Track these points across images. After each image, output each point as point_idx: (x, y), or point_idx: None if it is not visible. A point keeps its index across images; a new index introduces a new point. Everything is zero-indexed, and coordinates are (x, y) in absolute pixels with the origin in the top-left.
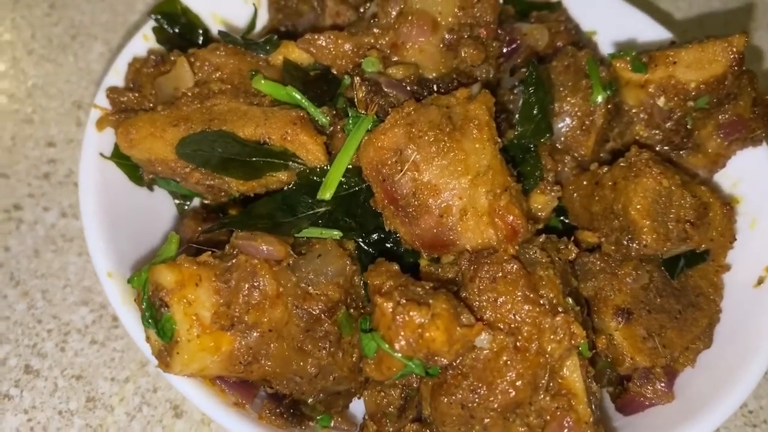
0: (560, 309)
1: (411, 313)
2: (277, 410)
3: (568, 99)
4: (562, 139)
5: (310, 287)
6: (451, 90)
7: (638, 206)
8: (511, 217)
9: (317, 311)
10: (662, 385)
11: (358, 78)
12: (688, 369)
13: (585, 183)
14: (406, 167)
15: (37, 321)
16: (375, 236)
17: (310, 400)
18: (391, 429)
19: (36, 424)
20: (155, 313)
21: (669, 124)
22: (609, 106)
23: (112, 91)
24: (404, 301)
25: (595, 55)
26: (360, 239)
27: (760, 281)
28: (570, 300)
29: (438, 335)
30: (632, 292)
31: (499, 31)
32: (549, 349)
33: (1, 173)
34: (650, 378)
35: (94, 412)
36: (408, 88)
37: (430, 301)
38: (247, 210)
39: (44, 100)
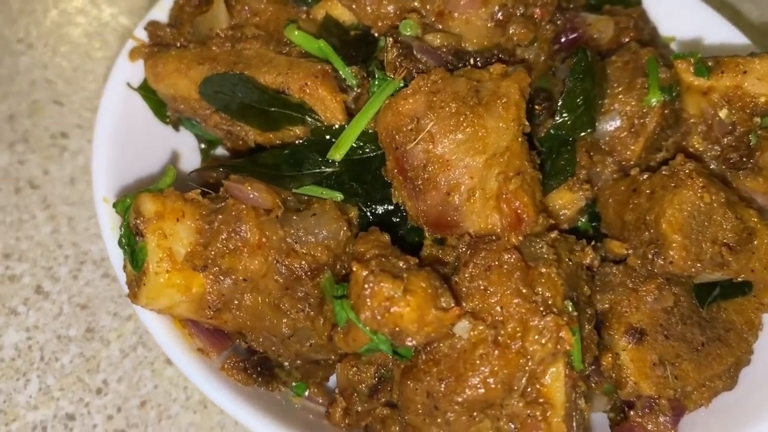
0: (554, 311)
1: (381, 284)
2: (241, 364)
3: (621, 97)
4: (608, 139)
5: (297, 244)
6: (488, 65)
7: (671, 219)
8: (518, 203)
9: (300, 271)
10: (666, 418)
11: (390, 39)
12: (702, 409)
13: (623, 189)
14: (421, 137)
15: (57, 245)
16: (381, 207)
17: (286, 364)
18: (359, 408)
19: (34, 343)
20: (132, 241)
21: (728, 139)
22: (666, 112)
23: (152, 25)
24: (379, 270)
25: (658, 54)
26: (365, 207)
27: None
28: (569, 304)
29: (407, 312)
30: (651, 312)
31: (558, 16)
32: (531, 350)
33: (57, 100)
34: (654, 409)
35: (91, 343)
36: (442, 57)
37: (405, 275)
38: (253, 157)
39: (111, 38)
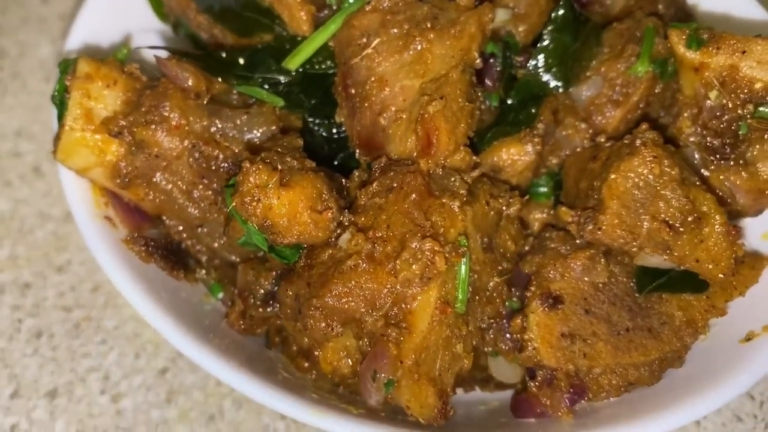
0: (440, 240)
1: (256, 173)
2: (143, 240)
3: (608, 62)
4: (585, 103)
5: (220, 136)
6: None
7: (611, 184)
8: (433, 126)
9: (217, 162)
10: (565, 397)
11: None
12: (610, 400)
13: (586, 156)
14: (365, 52)
15: None
16: (324, 125)
17: (203, 259)
18: (253, 312)
19: (17, 214)
20: (63, 99)
21: (713, 123)
22: (657, 90)
23: None
24: (260, 160)
25: (661, 27)
26: (310, 120)
27: (749, 338)
28: (464, 240)
29: (276, 205)
30: (576, 283)
31: None
32: (399, 268)
33: None
34: (553, 384)
35: (66, 225)
36: None
37: (287, 170)
38: (210, 52)
39: None
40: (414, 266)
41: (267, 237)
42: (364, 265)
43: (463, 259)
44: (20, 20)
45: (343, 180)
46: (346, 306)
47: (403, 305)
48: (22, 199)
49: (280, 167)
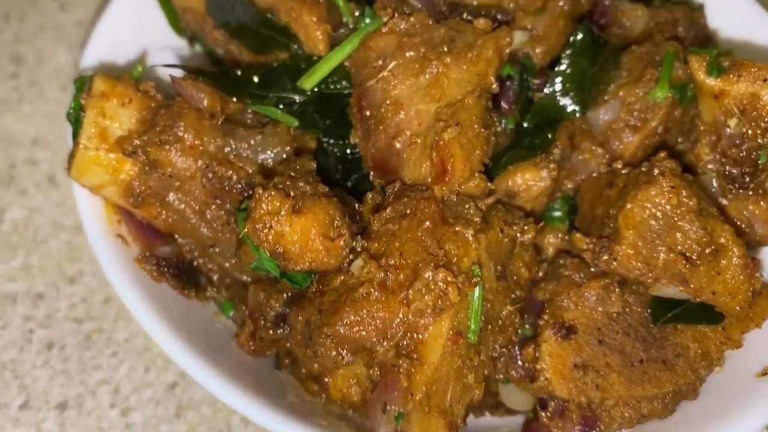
0: (454, 269)
1: (268, 198)
2: (155, 259)
3: (626, 86)
4: (603, 128)
5: (234, 157)
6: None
7: (628, 213)
8: (448, 153)
9: (230, 183)
10: (576, 428)
11: None
12: None
13: (602, 182)
14: (381, 75)
15: None
16: (338, 146)
17: (215, 278)
18: (263, 334)
19: (32, 223)
20: (78, 117)
21: (733, 151)
22: (676, 114)
23: None
24: (272, 185)
25: (681, 51)
26: (325, 140)
27: (765, 372)
28: (477, 269)
29: (288, 232)
30: (590, 313)
31: None
32: (411, 299)
33: None
34: (565, 415)
35: (80, 236)
36: (435, 5)
37: (299, 196)
38: (225, 70)
39: None
40: (427, 297)
41: (279, 263)
42: (377, 293)
43: (477, 289)
44: (38, 27)
45: (357, 204)
46: (358, 335)
47: (415, 335)
48: (37, 207)
49: (292, 193)
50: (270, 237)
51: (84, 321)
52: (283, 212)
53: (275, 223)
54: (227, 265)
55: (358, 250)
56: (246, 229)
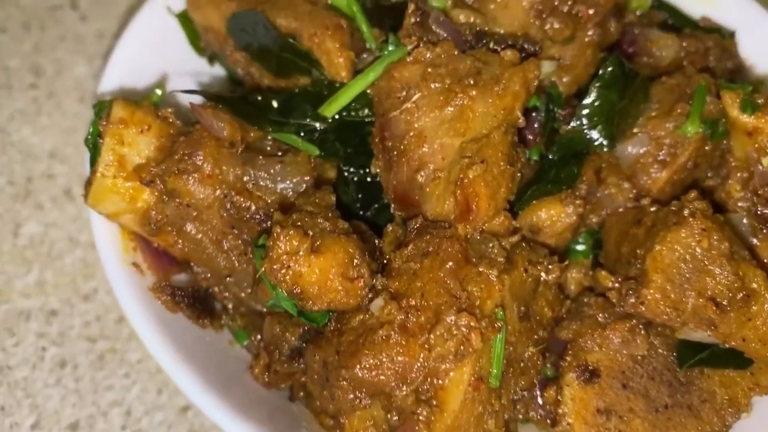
0: (476, 312)
1: (286, 237)
2: (170, 289)
3: (656, 120)
4: (631, 162)
5: (253, 186)
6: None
7: (657, 256)
8: (472, 191)
9: (249, 213)
10: None
11: (413, 5)
12: None
13: (629, 218)
14: (405, 106)
15: None
16: (358, 175)
17: (230, 306)
18: (278, 367)
19: (47, 238)
20: (96, 143)
21: (766, 189)
22: (707, 149)
23: None
24: (291, 224)
25: (713, 84)
26: (345, 169)
27: None
28: (500, 312)
29: (306, 272)
30: (614, 356)
31: (613, 23)
32: (433, 344)
33: None
34: None
35: (95, 252)
36: (461, 34)
37: (318, 235)
38: (245, 95)
39: None
40: (449, 342)
41: (296, 303)
42: (397, 336)
43: (500, 334)
44: (57, 38)
45: (377, 240)
46: (376, 379)
47: (435, 381)
48: (53, 222)
49: (311, 232)
50: (288, 277)
51: (97, 340)
52: (301, 252)
53: (293, 263)
54: (243, 294)
55: (378, 288)
56: (263, 268)
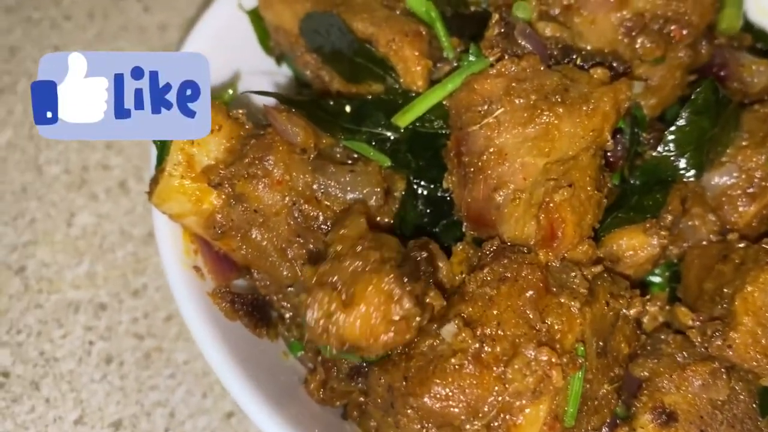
0: (556, 347)
1: (316, 301)
2: (229, 296)
3: (746, 150)
4: (717, 193)
5: (322, 194)
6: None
7: (747, 297)
8: (558, 217)
9: (316, 222)
10: None
11: (497, 15)
12: None
13: (713, 253)
14: (486, 121)
15: None
16: (429, 188)
17: (287, 316)
18: (335, 385)
19: (100, 229)
20: (165, 141)
21: None
22: None
23: None
24: (317, 284)
25: None
26: (415, 181)
27: None
28: (581, 348)
29: (348, 328)
30: (693, 399)
31: (704, 45)
32: (510, 378)
33: None
34: None
35: (146, 247)
36: (547, 48)
37: (347, 284)
38: (317, 99)
39: None
40: (528, 378)
41: (351, 354)
42: (470, 366)
43: (579, 372)
44: (120, 27)
45: (424, 253)
46: (446, 410)
47: (509, 417)
48: (106, 214)
49: (339, 285)
50: (332, 340)
51: (144, 337)
52: (334, 307)
53: (332, 325)
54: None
55: (450, 315)
56: (307, 337)
